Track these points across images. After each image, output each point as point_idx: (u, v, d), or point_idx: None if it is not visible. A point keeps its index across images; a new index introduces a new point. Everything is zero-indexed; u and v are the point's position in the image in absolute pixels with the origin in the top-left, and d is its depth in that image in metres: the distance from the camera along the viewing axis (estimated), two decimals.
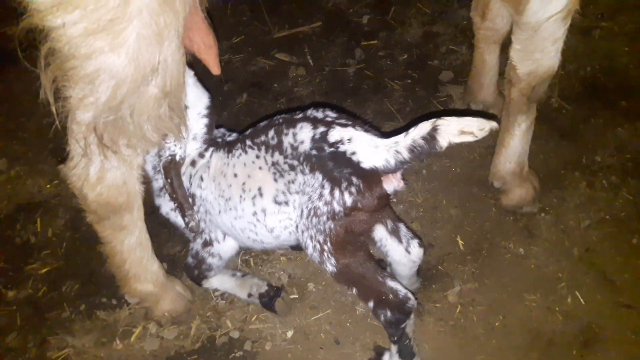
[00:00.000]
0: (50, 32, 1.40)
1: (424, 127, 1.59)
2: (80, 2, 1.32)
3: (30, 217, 2.62)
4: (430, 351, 2.10)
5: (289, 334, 2.17)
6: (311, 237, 1.78)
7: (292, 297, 2.26)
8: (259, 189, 1.84)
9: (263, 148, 1.82)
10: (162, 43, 1.44)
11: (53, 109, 1.60)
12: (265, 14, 3.37)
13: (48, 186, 2.73)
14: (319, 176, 1.70)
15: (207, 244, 2.14)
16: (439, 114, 1.62)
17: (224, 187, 1.93)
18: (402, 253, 1.99)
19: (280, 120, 1.83)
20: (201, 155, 2.01)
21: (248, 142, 1.88)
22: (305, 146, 1.72)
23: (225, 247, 2.14)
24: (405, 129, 1.69)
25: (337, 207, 1.68)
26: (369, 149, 1.66)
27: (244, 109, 2.98)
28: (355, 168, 1.65)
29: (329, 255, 1.77)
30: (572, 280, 2.28)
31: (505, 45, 2.43)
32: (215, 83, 3.00)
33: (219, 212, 1.97)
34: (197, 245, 2.17)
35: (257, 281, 2.25)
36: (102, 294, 2.35)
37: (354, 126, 1.73)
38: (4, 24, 3.38)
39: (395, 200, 2.51)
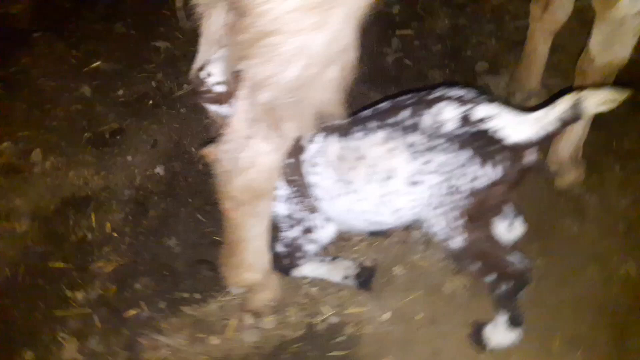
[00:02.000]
0: (253, 6, 1.33)
1: (567, 101, 1.69)
2: None
3: (82, 212, 2.44)
4: None
5: (386, 316, 2.21)
6: (444, 214, 1.84)
7: (382, 280, 2.31)
8: (391, 170, 1.83)
9: (396, 129, 1.82)
10: (354, 26, 1.42)
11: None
12: None
13: (95, 178, 2.53)
14: (464, 154, 1.75)
15: (308, 230, 2.11)
16: None
17: (344, 170, 1.91)
18: (505, 229, 2.10)
19: (414, 101, 1.84)
20: (311, 141, 1.98)
21: (373, 124, 1.87)
22: (451, 125, 1.76)
23: (326, 233, 2.12)
24: None
25: (480, 184, 1.75)
26: (513, 124, 1.73)
27: None
28: (501, 144, 1.73)
29: (461, 231, 1.84)
30: (622, 253, 2.52)
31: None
32: None
33: (335, 196, 1.95)
34: (293, 233, 2.12)
35: (349, 263, 2.27)
36: (181, 289, 2.26)
37: (495, 102, 1.79)
38: (8, 3, 3.14)
39: None
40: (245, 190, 1.71)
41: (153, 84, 2.91)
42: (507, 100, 1.86)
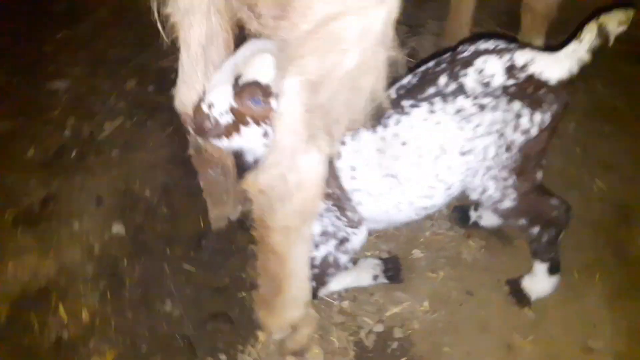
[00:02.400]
0: None
1: (592, 30, 1.66)
2: None
3: (44, 308, 1.96)
4: None
5: (425, 305, 2.10)
6: (494, 177, 1.76)
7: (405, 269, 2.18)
8: (442, 144, 1.70)
9: (436, 100, 1.69)
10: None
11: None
12: None
13: (44, 262, 2.04)
14: (516, 105, 1.68)
15: (344, 240, 1.89)
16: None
17: (387, 164, 1.73)
18: None
19: (446, 65, 1.71)
20: (343, 143, 1.76)
21: (407, 103, 1.71)
22: (500, 78, 1.66)
23: (361, 237, 1.91)
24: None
25: (534, 131, 1.69)
26: (552, 63, 1.68)
27: None
28: (547, 86, 1.68)
29: (513, 189, 1.78)
30: (587, 173, 2.67)
31: None
32: None
33: (381, 194, 1.78)
34: (326, 249, 1.89)
35: (374, 261, 2.14)
36: (200, 356, 1.92)
37: (527, 47, 1.71)
38: None
39: None
40: (296, 215, 1.45)
41: (67, 132, 2.42)
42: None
